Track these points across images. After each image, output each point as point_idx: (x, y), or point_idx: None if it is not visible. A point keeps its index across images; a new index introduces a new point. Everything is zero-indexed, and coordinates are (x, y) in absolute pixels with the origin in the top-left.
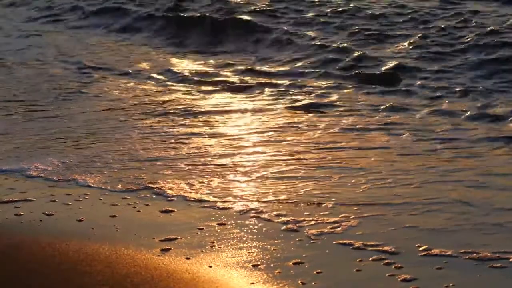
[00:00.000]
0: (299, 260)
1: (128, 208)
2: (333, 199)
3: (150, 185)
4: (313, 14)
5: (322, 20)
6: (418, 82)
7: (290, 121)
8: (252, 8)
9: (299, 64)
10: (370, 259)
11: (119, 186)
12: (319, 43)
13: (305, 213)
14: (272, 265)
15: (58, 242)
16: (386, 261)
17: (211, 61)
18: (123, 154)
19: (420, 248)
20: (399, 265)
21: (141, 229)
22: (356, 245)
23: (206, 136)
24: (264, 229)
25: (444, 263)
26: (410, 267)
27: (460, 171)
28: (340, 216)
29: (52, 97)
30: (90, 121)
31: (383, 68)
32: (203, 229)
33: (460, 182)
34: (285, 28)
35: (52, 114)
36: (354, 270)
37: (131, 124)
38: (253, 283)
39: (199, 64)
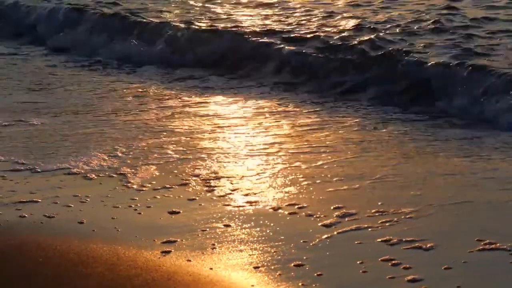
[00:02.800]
0: (300, 262)
1: (129, 210)
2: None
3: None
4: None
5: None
6: None
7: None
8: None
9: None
10: (380, 259)
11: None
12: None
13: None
14: (273, 267)
15: (59, 244)
16: (395, 261)
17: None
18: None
19: (467, 243)
20: (408, 266)
21: (142, 231)
22: (393, 241)
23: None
24: (266, 231)
25: (462, 263)
26: (419, 267)
27: None
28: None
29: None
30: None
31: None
32: (205, 230)
33: None
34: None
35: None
36: (360, 271)
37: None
38: (253, 286)
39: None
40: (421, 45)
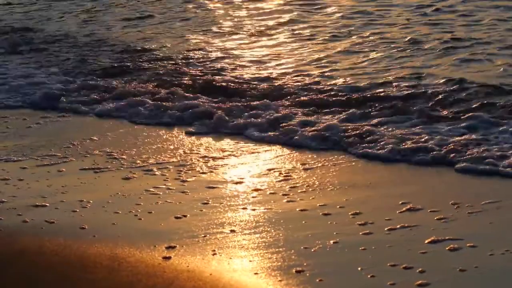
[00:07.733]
0: (300, 269)
1: (129, 215)
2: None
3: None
4: None
5: None
6: None
7: None
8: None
9: None
10: (388, 264)
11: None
12: None
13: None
14: (273, 273)
15: (61, 249)
16: (404, 265)
17: None
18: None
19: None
20: (420, 269)
21: (143, 236)
22: (436, 239)
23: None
24: (268, 234)
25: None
26: (433, 271)
27: None
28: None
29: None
30: None
31: None
32: (206, 236)
33: None
34: None
35: None
36: (369, 276)
37: None
38: None
39: None
40: None
